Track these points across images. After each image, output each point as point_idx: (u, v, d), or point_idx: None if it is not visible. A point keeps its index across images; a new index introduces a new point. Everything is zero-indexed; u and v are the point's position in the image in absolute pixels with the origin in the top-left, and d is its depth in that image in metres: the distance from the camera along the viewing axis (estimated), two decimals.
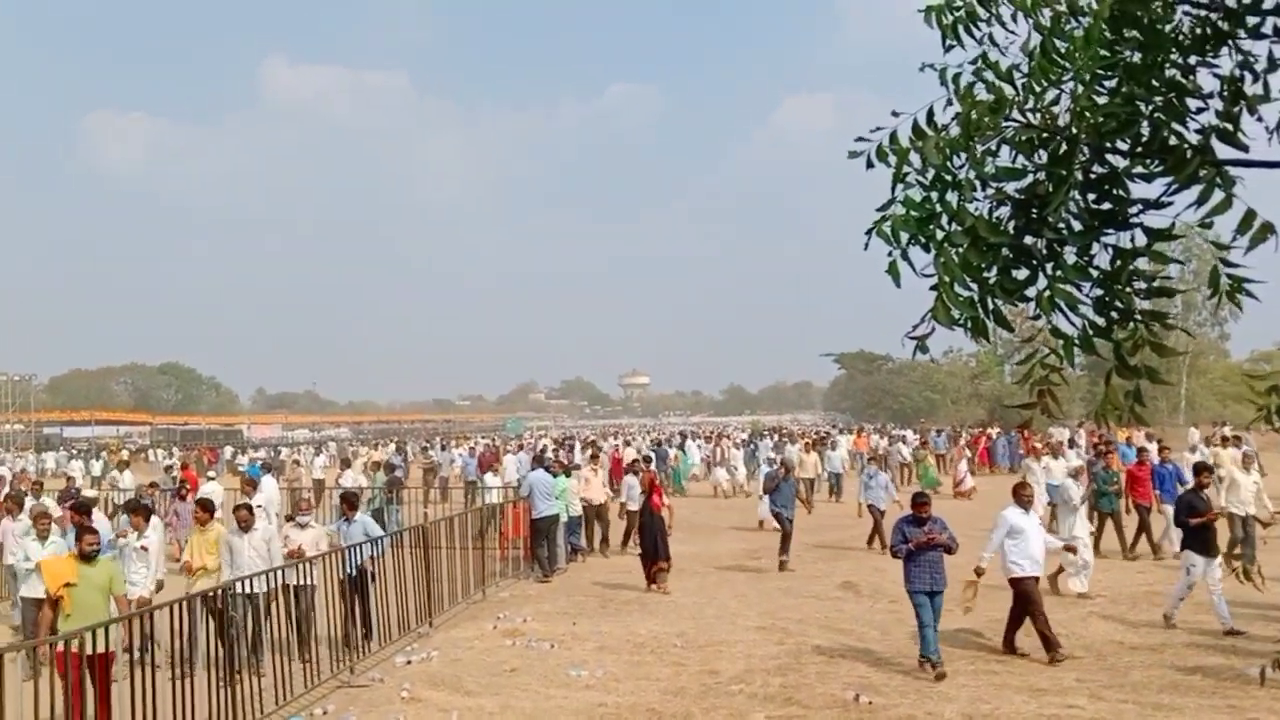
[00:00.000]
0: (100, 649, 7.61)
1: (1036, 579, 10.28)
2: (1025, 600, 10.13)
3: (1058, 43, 3.03)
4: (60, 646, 7.48)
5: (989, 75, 3.11)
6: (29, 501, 15.09)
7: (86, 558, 8.48)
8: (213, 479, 23.79)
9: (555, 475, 17.35)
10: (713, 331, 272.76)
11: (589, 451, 27.00)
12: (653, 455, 27.70)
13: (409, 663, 10.70)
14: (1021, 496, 10.68)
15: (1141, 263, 2.91)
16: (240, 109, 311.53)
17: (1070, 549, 12.16)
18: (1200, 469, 12.45)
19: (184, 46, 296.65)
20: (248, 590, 9.30)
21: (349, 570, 11.03)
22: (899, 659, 10.22)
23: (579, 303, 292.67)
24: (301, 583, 10.44)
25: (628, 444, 39.75)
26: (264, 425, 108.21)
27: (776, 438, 40.79)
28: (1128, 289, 2.89)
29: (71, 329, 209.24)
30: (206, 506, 11.37)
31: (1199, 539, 11.08)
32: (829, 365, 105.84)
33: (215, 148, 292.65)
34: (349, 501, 12.65)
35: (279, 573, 10.00)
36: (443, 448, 42.02)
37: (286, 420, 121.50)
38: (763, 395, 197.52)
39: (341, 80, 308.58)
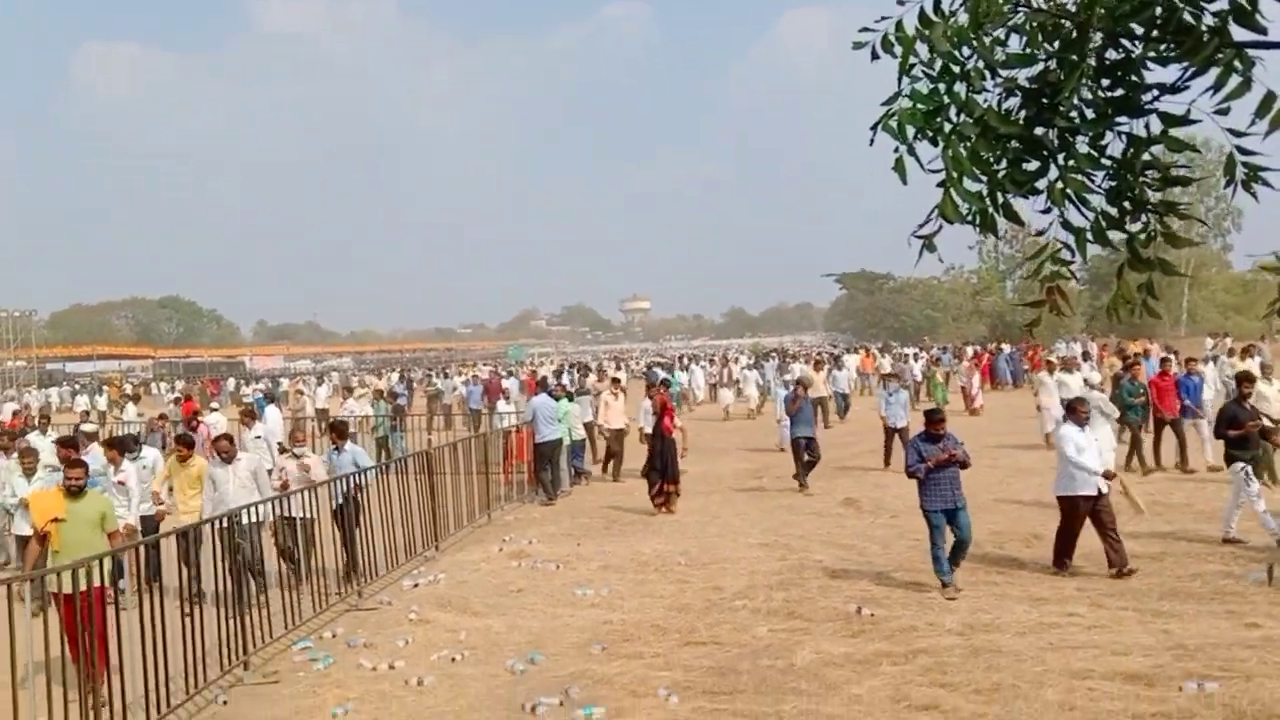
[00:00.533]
0: (91, 585, 7.14)
1: (1087, 497, 9.81)
2: (1069, 519, 9.86)
3: None
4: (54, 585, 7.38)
5: None
6: (37, 438, 15.09)
7: (72, 492, 8.12)
8: (216, 410, 23.88)
9: (557, 399, 17.35)
10: (713, 255, 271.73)
11: (591, 377, 26.87)
12: (670, 378, 27.49)
13: (416, 585, 10.79)
14: (1078, 413, 10.25)
15: (1156, 151, 2.82)
16: (233, 36, 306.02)
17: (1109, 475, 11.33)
18: (1243, 378, 12.11)
19: None
20: (237, 522, 9.04)
21: (337, 500, 10.92)
22: (900, 572, 10.30)
23: (579, 228, 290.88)
24: (301, 515, 10.26)
25: (617, 368, 39.75)
26: (266, 357, 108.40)
27: (779, 359, 40.80)
28: (1141, 178, 2.80)
29: (71, 264, 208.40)
30: (187, 442, 11.25)
31: (1243, 448, 10.93)
32: (830, 286, 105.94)
33: (210, 77, 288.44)
34: (338, 431, 12.39)
35: (268, 504, 9.80)
36: (444, 375, 42.11)
37: (288, 351, 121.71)
38: (764, 317, 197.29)
39: (333, 6, 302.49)
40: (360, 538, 10.86)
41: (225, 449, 10.60)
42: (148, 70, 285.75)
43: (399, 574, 11.26)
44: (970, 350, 40.47)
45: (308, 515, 10.38)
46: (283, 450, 12.12)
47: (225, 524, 8.85)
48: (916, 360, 34.96)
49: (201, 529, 8.81)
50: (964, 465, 9.58)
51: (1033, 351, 38.21)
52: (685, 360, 44.78)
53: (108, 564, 7.53)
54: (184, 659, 7.59)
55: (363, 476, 11.30)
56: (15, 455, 11.62)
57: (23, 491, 10.45)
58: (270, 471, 11.26)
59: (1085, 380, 18.44)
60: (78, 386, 59.87)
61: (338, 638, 9.12)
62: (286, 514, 10.24)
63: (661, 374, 32.32)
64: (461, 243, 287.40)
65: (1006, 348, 41.57)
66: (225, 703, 7.71)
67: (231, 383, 59.19)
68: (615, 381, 20.71)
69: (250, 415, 17.21)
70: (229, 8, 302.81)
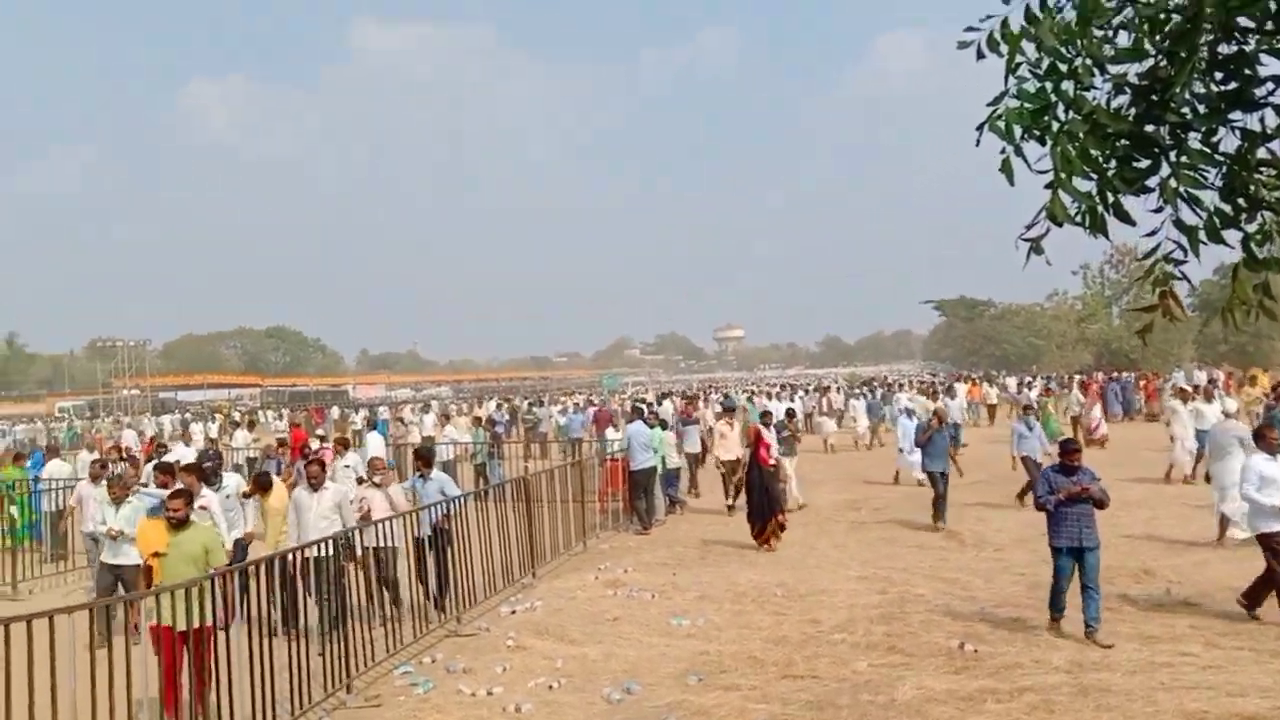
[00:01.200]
0: (193, 624, 7.04)
1: None
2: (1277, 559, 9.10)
3: None
4: (153, 621, 7.34)
5: None
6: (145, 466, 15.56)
7: (174, 524, 7.84)
8: (321, 437, 24.42)
9: (652, 427, 17.33)
10: (808, 282, 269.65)
11: (666, 404, 26.52)
12: (749, 406, 27.09)
13: (514, 612, 10.84)
14: (1269, 441, 9.66)
15: (1272, 147, 2.71)
16: (333, 69, 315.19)
17: None
18: None
19: (278, 10, 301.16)
20: (316, 554, 8.84)
21: (426, 530, 10.67)
22: (1005, 608, 10.01)
23: (672, 257, 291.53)
24: (381, 544, 10.05)
25: (705, 399, 39.36)
26: (368, 385, 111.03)
27: (882, 390, 40.05)
28: (1256, 174, 2.69)
29: (182, 295, 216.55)
30: (263, 485, 11.15)
31: None
32: (928, 313, 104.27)
33: (311, 110, 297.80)
34: (424, 458, 11.98)
35: (348, 535, 9.57)
36: (540, 404, 42.49)
37: (390, 380, 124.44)
38: (860, 346, 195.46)
39: (430, 36, 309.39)
40: (455, 564, 10.79)
41: (315, 474, 10.46)
42: (252, 102, 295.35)
43: (497, 600, 11.33)
44: (1080, 378, 39.27)
45: (384, 544, 10.13)
46: (360, 480, 12.02)
47: (306, 554, 8.76)
48: (1030, 389, 33.67)
49: (290, 556, 8.75)
50: (1100, 504, 8.99)
51: (1147, 381, 36.95)
52: (779, 390, 44.20)
53: (209, 602, 7.27)
54: (289, 681, 7.75)
55: (451, 505, 11.07)
56: (104, 483, 11.45)
57: (112, 520, 10.42)
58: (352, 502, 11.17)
59: (1223, 410, 17.68)
60: (189, 415, 61.96)
61: (437, 663, 9.21)
62: (371, 544, 9.96)
63: (740, 401, 31.59)
64: (556, 271, 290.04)
65: (1126, 375, 40.08)
66: None
67: (335, 410, 60.59)
68: (728, 412, 20.27)
69: (344, 444, 17.31)
70: (331, 40, 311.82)
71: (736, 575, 12.15)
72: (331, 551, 8.99)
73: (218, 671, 7.15)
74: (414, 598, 10.31)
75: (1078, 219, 2.76)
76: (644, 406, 24.19)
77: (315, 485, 10.36)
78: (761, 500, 14.29)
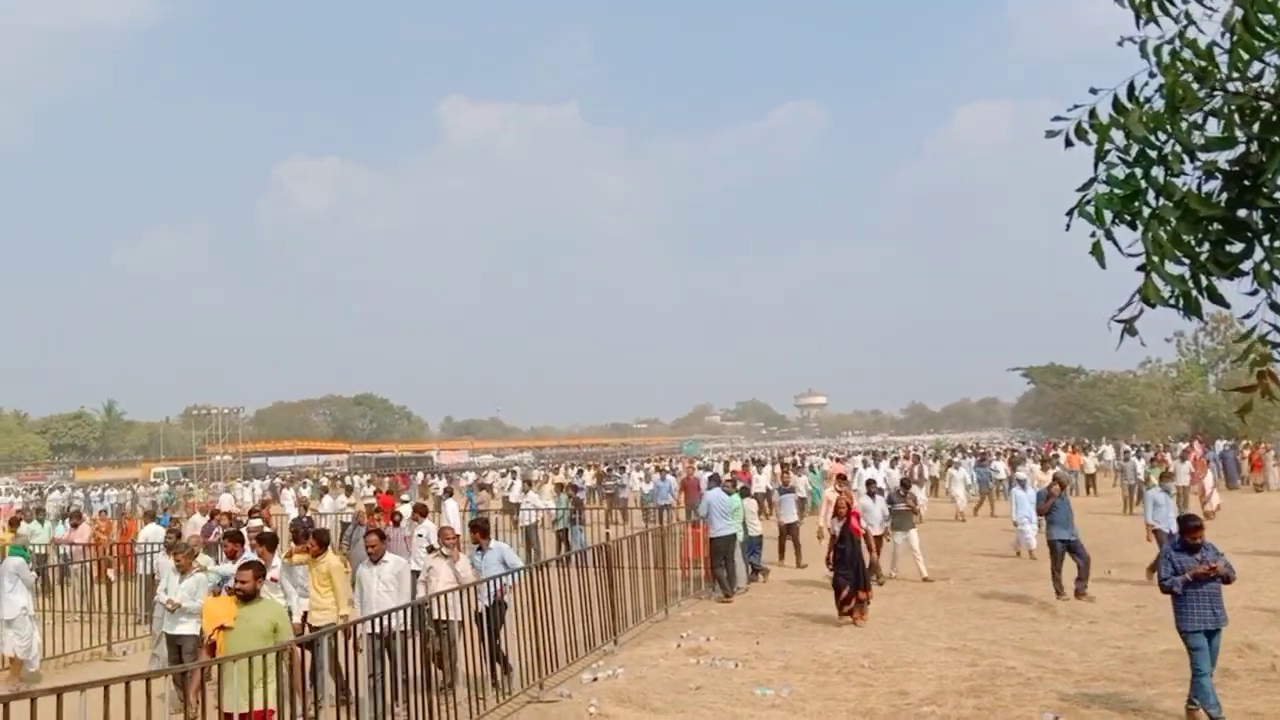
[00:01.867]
0: (255, 705, 6.78)
1: None
2: None
3: (1261, 16, 2.85)
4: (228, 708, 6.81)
5: (1187, 54, 2.95)
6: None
7: (243, 596, 7.53)
8: (406, 502, 24.74)
9: (730, 494, 17.23)
10: (892, 349, 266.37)
11: (790, 473, 26.04)
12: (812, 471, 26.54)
13: (595, 679, 10.81)
14: None
15: None
16: (422, 149, 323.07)
17: None
18: None
19: (370, 92, 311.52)
20: (374, 629, 8.55)
21: (485, 602, 10.30)
22: (1100, 682, 9.71)
23: (753, 324, 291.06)
24: (443, 618, 9.71)
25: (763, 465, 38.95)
26: (452, 451, 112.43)
27: (976, 457, 39.12)
28: None
29: (273, 363, 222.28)
30: (322, 540, 10.64)
31: None
32: (1016, 380, 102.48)
33: (400, 187, 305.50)
34: (481, 530, 11.60)
35: (410, 610, 9.20)
36: (621, 470, 42.58)
37: (472, 446, 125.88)
38: (946, 413, 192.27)
39: (515, 116, 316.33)
40: (538, 630, 10.60)
41: (374, 545, 10.22)
42: (344, 179, 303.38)
43: (578, 666, 11.31)
44: (1181, 446, 38.00)
45: (446, 618, 9.81)
46: (430, 550, 11.90)
47: (371, 628, 8.52)
48: (1139, 458, 32.21)
49: (354, 629, 8.56)
50: (1227, 580, 8.46)
51: (1252, 451, 35.68)
52: (869, 458, 43.43)
53: (273, 681, 6.94)
54: None
55: (511, 577, 10.85)
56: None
57: (174, 590, 10.44)
58: (417, 573, 10.89)
59: None
60: (280, 481, 63.26)
61: None
62: (434, 617, 9.67)
63: (806, 473, 30.76)
64: (636, 339, 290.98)
65: (1223, 444, 38.64)
66: None
67: (419, 476, 61.36)
68: (840, 479, 19.78)
69: (422, 511, 17.34)
70: (420, 122, 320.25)
71: (821, 645, 11.97)
72: (398, 624, 8.81)
73: None
74: (485, 669, 10.35)
75: (1171, 301, 2.77)
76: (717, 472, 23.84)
77: (375, 557, 10.20)
78: (851, 572, 13.88)
